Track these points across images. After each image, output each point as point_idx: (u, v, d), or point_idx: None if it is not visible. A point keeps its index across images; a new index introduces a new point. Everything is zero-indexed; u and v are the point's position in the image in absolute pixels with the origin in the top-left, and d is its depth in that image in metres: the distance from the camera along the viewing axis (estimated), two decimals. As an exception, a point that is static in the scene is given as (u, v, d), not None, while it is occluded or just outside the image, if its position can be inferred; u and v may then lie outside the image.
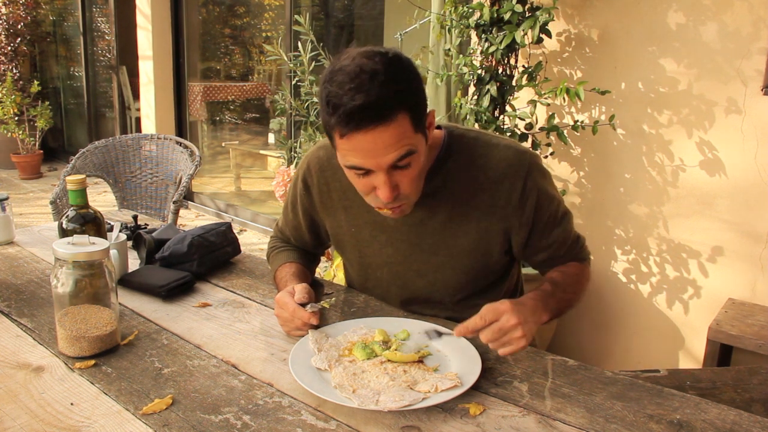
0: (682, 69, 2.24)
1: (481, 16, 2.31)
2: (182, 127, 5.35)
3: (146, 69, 5.17)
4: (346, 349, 1.07)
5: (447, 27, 2.48)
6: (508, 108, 2.39)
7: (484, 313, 1.00)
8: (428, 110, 1.07)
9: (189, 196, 5.24)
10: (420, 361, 1.04)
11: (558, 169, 2.58)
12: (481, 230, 1.20)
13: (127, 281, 1.36)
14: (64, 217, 1.26)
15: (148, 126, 5.28)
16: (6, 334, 1.13)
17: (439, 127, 1.21)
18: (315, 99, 2.61)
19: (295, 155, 2.74)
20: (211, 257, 1.47)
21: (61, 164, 6.71)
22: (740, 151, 2.16)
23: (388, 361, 1.02)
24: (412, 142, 1.01)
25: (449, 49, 2.50)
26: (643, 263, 2.46)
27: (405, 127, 0.99)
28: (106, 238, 1.30)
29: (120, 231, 1.50)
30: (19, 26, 6.20)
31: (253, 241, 4.40)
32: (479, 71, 2.37)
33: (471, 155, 1.18)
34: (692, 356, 2.39)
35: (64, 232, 1.24)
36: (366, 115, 0.95)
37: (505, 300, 1.03)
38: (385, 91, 0.95)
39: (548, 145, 2.46)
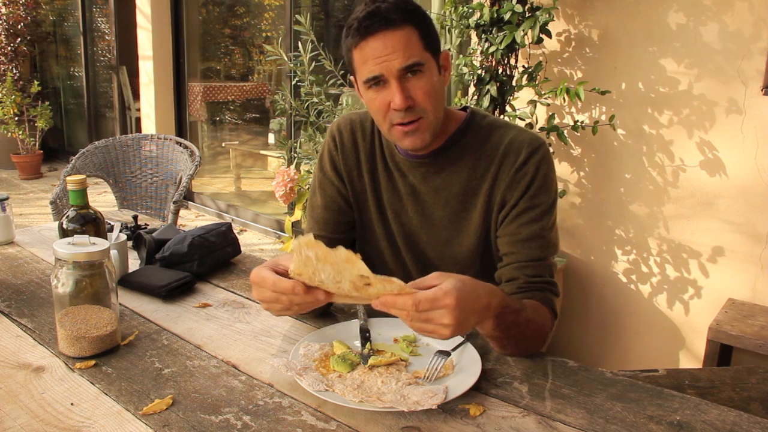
0: (682, 69, 2.24)
1: (481, 16, 2.31)
2: (182, 127, 5.35)
3: (146, 69, 5.17)
4: (322, 368, 1.02)
5: (447, 27, 2.48)
6: (508, 108, 2.39)
7: (435, 278, 0.90)
8: (443, 51, 1.17)
9: (189, 196, 5.24)
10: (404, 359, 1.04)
11: (558, 169, 2.58)
12: (485, 205, 1.22)
13: (128, 281, 1.36)
14: (64, 218, 1.26)
15: (148, 126, 5.28)
16: (6, 334, 1.13)
17: (465, 109, 1.28)
18: (315, 99, 2.61)
19: (295, 155, 2.74)
20: (212, 257, 1.47)
21: (61, 164, 6.71)
22: (740, 151, 2.16)
23: (374, 366, 1.02)
24: (421, 56, 1.10)
25: (449, 49, 2.50)
26: (644, 263, 2.46)
27: (413, 38, 1.09)
28: (106, 239, 1.30)
29: (120, 231, 1.50)
30: (19, 26, 6.20)
31: (254, 241, 4.40)
32: (479, 71, 2.37)
33: (488, 132, 1.23)
34: (692, 356, 2.39)
35: (64, 233, 1.24)
36: (374, 21, 1.07)
37: (475, 281, 0.91)
38: (393, 5, 1.08)
39: (548, 145, 2.46)
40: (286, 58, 2.64)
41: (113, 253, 1.36)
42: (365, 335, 1.11)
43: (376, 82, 1.11)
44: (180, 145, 2.66)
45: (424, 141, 1.16)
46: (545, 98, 2.34)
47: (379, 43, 1.08)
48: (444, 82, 1.19)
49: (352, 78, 1.18)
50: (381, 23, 1.07)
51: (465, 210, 1.25)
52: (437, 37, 1.17)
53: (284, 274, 0.96)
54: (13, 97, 5.77)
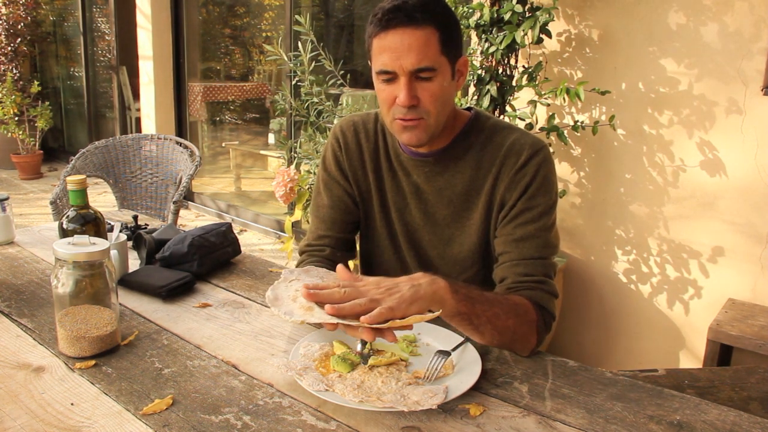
0: (682, 69, 2.24)
1: (481, 16, 2.31)
2: (182, 127, 5.34)
3: (146, 69, 5.17)
4: (322, 368, 1.01)
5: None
6: (508, 108, 2.39)
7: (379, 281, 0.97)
8: (462, 57, 1.18)
9: (189, 196, 5.24)
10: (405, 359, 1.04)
11: (558, 169, 2.58)
12: (486, 205, 1.23)
13: (128, 281, 1.36)
14: (64, 218, 1.26)
15: (148, 126, 5.28)
16: (6, 334, 1.13)
17: (470, 110, 1.29)
18: (315, 99, 2.61)
19: (295, 155, 2.74)
20: (212, 257, 1.47)
21: (61, 164, 6.71)
22: (740, 151, 2.16)
23: (374, 366, 1.02)
24: (437, 60, 1.11)
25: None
26: (644, 263, 2.46)
27: (432, 41, 1.10)
28: (107, 239, 1.30)
29: (120, 231, 1.50)
30: (19, 26, 6.19)
31: (254, 241, 4.40)
32: (479, 71, 2.37)
33: (491, 134, 1.25)
34: (692, 356, 2.39)
35: (64, 233, 1.24)
36: (397, 15, 1.09)
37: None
38: (419, 3, 1.10)
39: (548, 145, 2.46)
40: (286, 58, 2.64)
41: (113, 253, 1.36)
42: None
43: (388, 76, 1.13)
44: (180, 145, 2.66)
45: (420, 140, 1.18)
46: (545, 98, 2.34)
47: (397, 38, 1.09)
48: (456, 88, 1.19)
49: (370, 62, 1.19)
50: (403, 19, 1.09)
51: (467, 210, 1.26)
52: (460, 42, 1.17)
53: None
54: (13, 97, 5.76)
